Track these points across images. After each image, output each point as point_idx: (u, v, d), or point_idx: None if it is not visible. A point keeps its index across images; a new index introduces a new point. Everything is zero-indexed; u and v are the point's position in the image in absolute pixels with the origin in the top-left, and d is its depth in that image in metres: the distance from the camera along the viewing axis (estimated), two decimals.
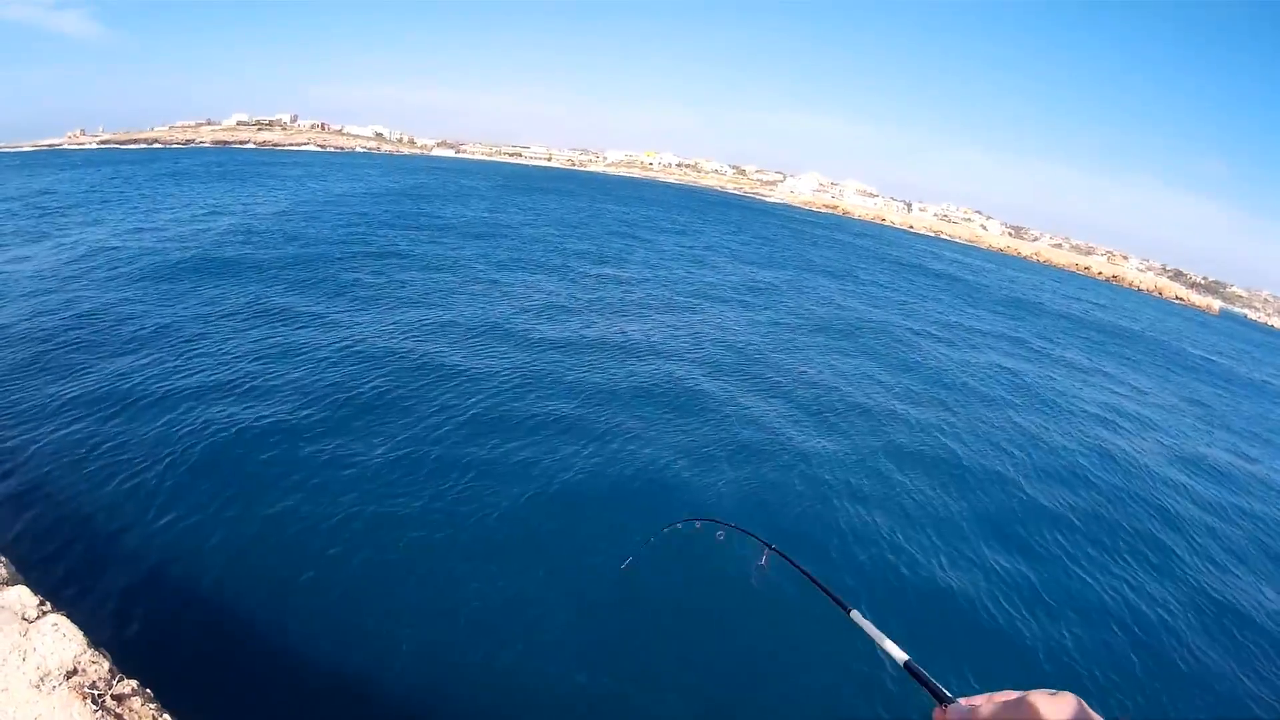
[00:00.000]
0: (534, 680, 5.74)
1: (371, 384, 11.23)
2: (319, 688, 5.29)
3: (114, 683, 3.61)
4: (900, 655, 1.32)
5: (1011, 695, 0.85)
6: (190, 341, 12.24)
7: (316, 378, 11.18)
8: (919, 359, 19.06)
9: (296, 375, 11.18)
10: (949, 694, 1.07)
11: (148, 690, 3.71)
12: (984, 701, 0.87)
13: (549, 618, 6.51)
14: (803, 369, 15.99)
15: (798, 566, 2.38)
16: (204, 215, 27.38)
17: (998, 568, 8.81)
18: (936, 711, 0.97)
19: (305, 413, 9.74)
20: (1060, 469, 12.77)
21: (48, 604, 4.04)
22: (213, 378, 10.63)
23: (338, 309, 15.61)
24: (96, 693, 3.47)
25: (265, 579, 6.31)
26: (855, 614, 1.68)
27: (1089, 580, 9.02)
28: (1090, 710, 0.81)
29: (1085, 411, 17.33)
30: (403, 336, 14.04)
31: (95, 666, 3.63)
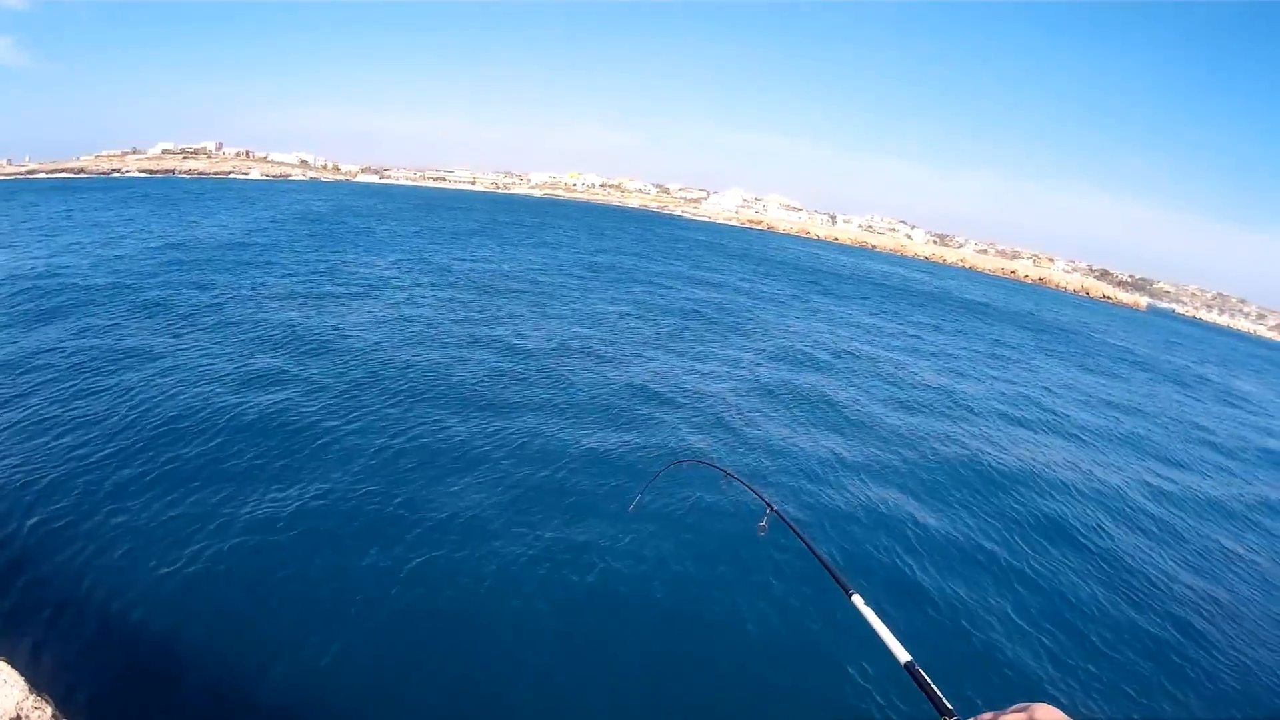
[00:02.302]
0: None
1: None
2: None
3: None
4: (903, 655, 1.24)
5: (1008, 712, 0.85)
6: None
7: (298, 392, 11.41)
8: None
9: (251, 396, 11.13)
10: (950, 706, 1.03)
11: None
12: (990, 718, 0.86)
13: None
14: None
15: (799, 535, 2.21)
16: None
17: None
18: None
19: (258, 438, 9.65)
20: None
21: None
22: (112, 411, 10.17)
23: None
24: None
25: (213, 617, 6.12)
26: (857, 599, 1.54)
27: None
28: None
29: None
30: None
31: (38, 713, 3.61)
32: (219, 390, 11.26)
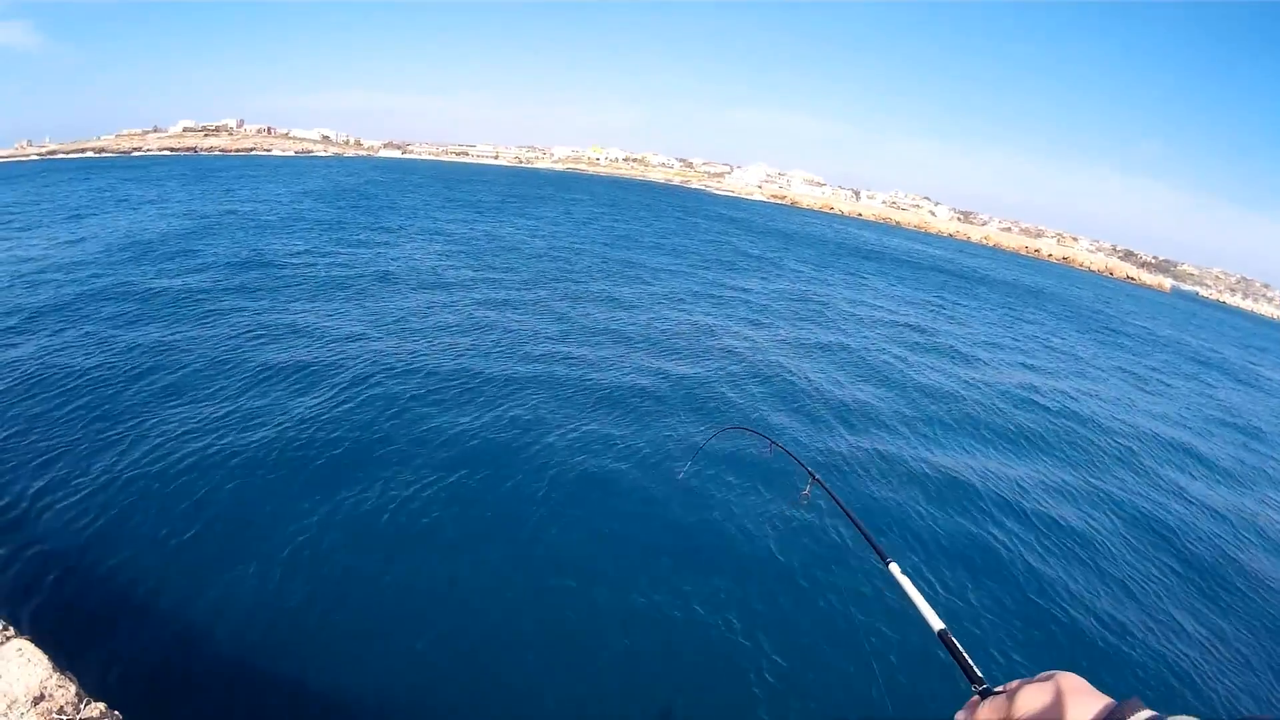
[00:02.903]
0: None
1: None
2: (295, 701, 5.22)
3: (82, 707, 3.61)
4: (936, 623, 1.27)
5: (1034, 681, 0.87)
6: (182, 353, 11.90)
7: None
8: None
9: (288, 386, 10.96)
10: (980, 675, 1.05)
11: (116, 712, 3.69)
12: (1017, 685, 0.87)
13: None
14: None
15: (839, 503, 2.22)
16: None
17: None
18: (973, 701, 0.94)
19: (293, 430, 9.42)
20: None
21: (11, 629, 4.01)
22: (175, 395, 10.23)
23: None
24: (64, 717, 3.49)
25: (231, 596, 6.17)
26: (894, 567, 1.57)
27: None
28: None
29: None
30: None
31: (62, 691, 3.62)
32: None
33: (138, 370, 10.99)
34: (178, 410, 9.65)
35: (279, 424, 9.51)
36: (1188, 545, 10.15)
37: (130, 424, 9.11)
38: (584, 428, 10.32)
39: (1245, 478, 14.28)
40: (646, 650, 6.12)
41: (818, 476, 2.75)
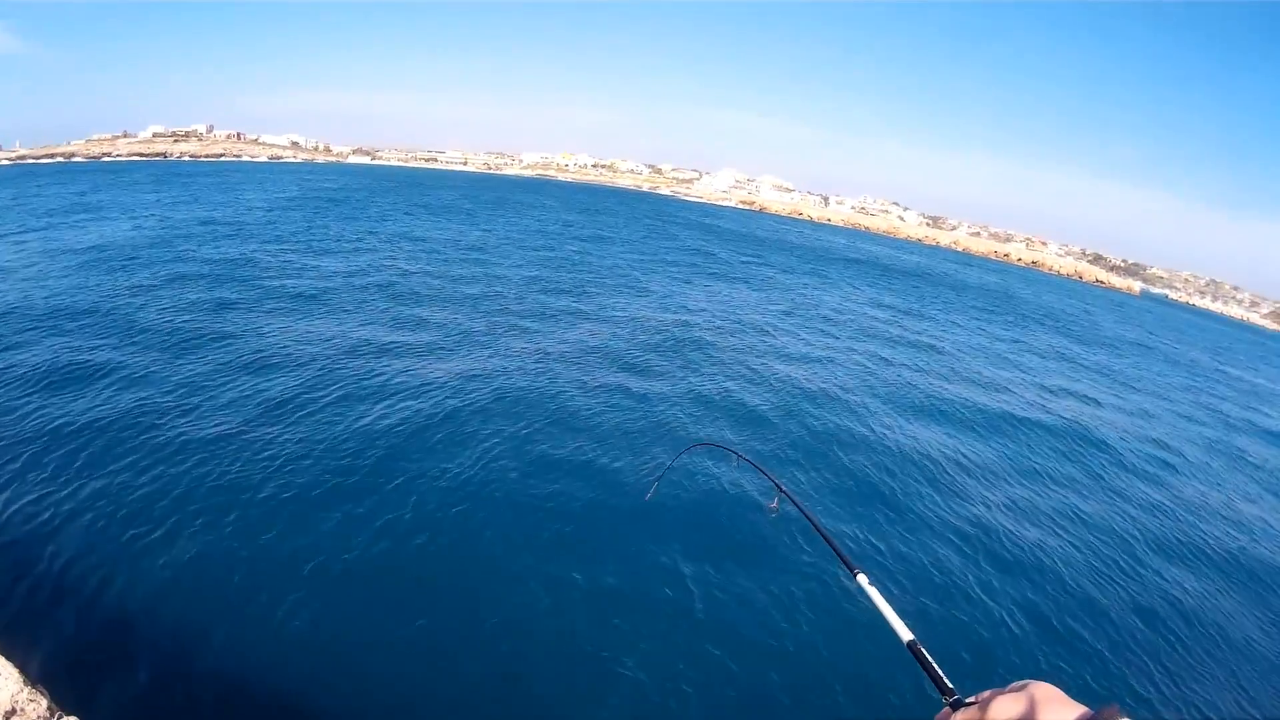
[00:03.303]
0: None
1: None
2: (271, 711, 5.16)
3: None
4: (906, 634, 1.26)
5: (1007, 691, 0.86)
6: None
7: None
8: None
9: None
10: (951, 686, 1.05)
11: None
12: (990, 695, 0.87)
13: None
14: None
15: (807, 515, 2.22)
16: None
17: None
18: (944, 713, 0.94)
19: (269, 427, 9.46)
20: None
21: None
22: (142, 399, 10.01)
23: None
24: None
25: (210, 609, 6.01)
26: (862, 578, 1.58)
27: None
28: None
29: None
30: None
31: (34, 705, 3.56)
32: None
33: (129, 371, 10.93)
34: (159, 416, 9.45)
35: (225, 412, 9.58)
36: (1166, 549, 10.19)
37: (107, 431, 8.90)
38: (549, 449, 9.83)
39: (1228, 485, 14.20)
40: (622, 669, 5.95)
41: (785, 489, 2.72)
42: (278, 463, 8.49)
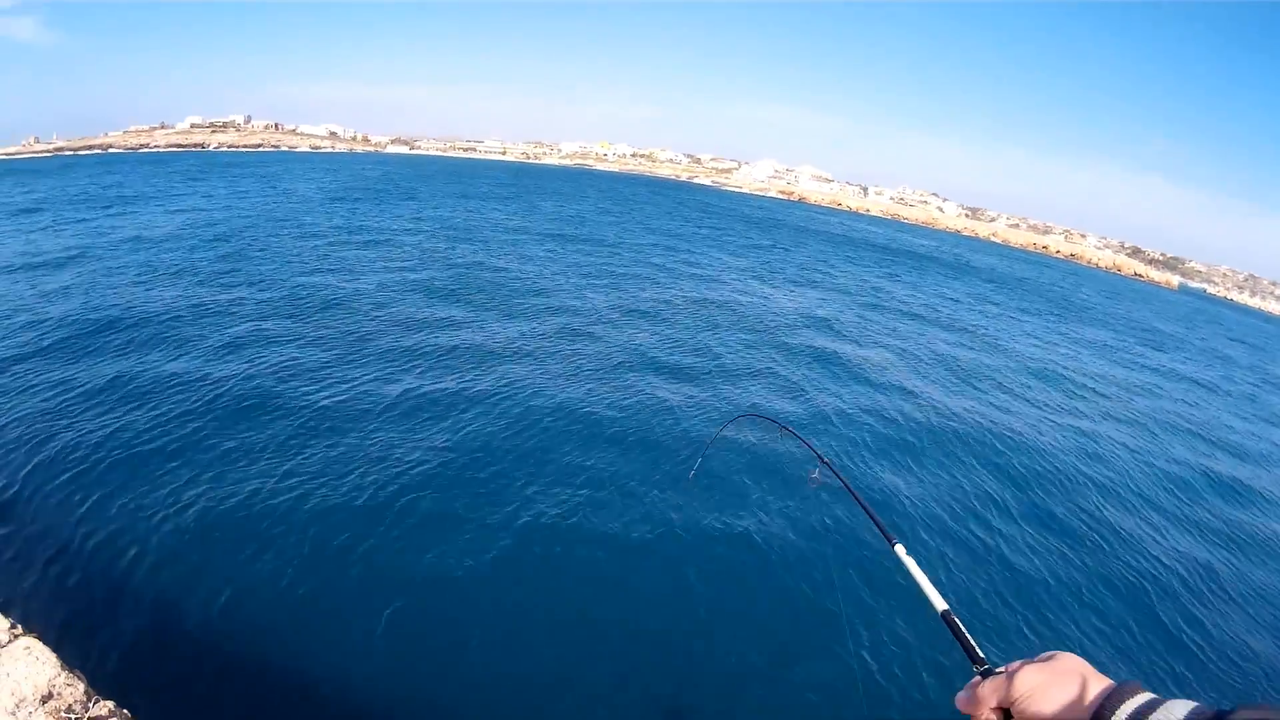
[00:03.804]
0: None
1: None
2: (304, 699, 5.15)
3: (90, 705, 3.60)
4: (940, 604, 1.27)
5: (1035, 661, 0.88)
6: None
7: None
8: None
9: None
10: (982, 655, 1.05)
11: (124, 711, 3.69)
12: (1018, 665, 0.88)
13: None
14: None
15: (847, 486, 2.25)
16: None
17: None
18: (974, 681, 0.94)
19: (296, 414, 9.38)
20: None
21: (19, 627, 3.99)
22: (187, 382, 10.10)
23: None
24: (73, 716, 3.48)
25: (244, 593, 6.04)
26: (900, 548, 1.59)
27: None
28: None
29: None
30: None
31: (70, 689, 3.60)
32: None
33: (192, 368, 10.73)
34: (213, 403, 9.45)
35: (299, 418, 9.33)
36: (1206, 536, 10.30)
37: (147, 423, 8.79)
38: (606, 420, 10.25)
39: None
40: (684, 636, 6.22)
41: (826, 459, 2.80)
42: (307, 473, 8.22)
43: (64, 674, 3.66)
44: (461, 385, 11.01)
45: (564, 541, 7.22)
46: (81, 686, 3.64)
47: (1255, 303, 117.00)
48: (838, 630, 6.46)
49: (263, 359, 11.23)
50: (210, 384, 10.07)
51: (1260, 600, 8.87)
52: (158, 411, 9.09)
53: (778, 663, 6.07)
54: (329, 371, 10.96)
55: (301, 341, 12.22)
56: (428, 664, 5.57)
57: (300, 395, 9.98)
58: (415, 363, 11.88)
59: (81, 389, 9.62)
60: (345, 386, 10.46)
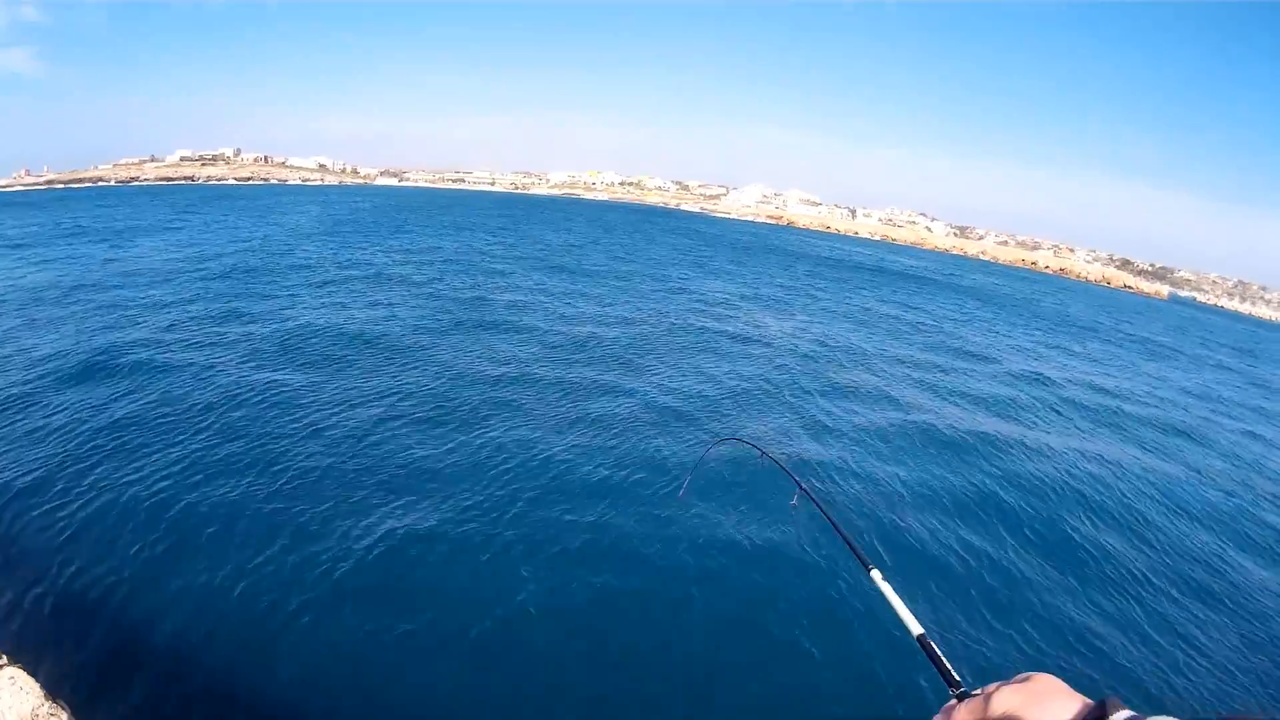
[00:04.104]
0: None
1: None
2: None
3: None
4: (916, 628, 1.28)
5: (1011, 682, 0.87)
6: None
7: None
8: None
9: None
10: (958, 679, 1.06)
11: None
12: (995, 688, 0.87)
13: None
14: None
15: (824, 513, 2.28)
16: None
17: None
18: (950, 704, 0.94)
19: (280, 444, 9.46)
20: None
21: (3, 657, 3.99)
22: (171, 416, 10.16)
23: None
24: None
25: (227, 625, 6.02)
26: (875, 573, 1.62)
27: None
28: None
29: None
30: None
31: (54, 718, 3.60)
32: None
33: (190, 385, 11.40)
34: (179, 434, 9.60)
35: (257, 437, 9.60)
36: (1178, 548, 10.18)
37: (130, 447, 9.05)
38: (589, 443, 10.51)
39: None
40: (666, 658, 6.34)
41: (804, 486, 2.82)
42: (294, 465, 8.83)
43: (48, 704, 3.72)
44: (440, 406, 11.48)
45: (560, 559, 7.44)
46: (65, 716, 3.74)
47: (1245, 308, 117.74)
48: (808, 648, 6.56)
49: (246, 387, 11.41)
50: (195, 411, 10.28)
51: (1244, 612, 8.71)
52: (141, 439, 9.27)
53: (754, 665, 6.27)
54: (314, 395, 11.30)
55: (285, 372, 12.44)
56: (410, 678, 5.64)
57: (279, 420, 10.22)
58: (407, 383, 12.45)
59: (70, 419, 9.87)
60: (328, 403, 10.94)
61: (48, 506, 7.52)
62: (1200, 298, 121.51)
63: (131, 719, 4.94)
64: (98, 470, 8.38)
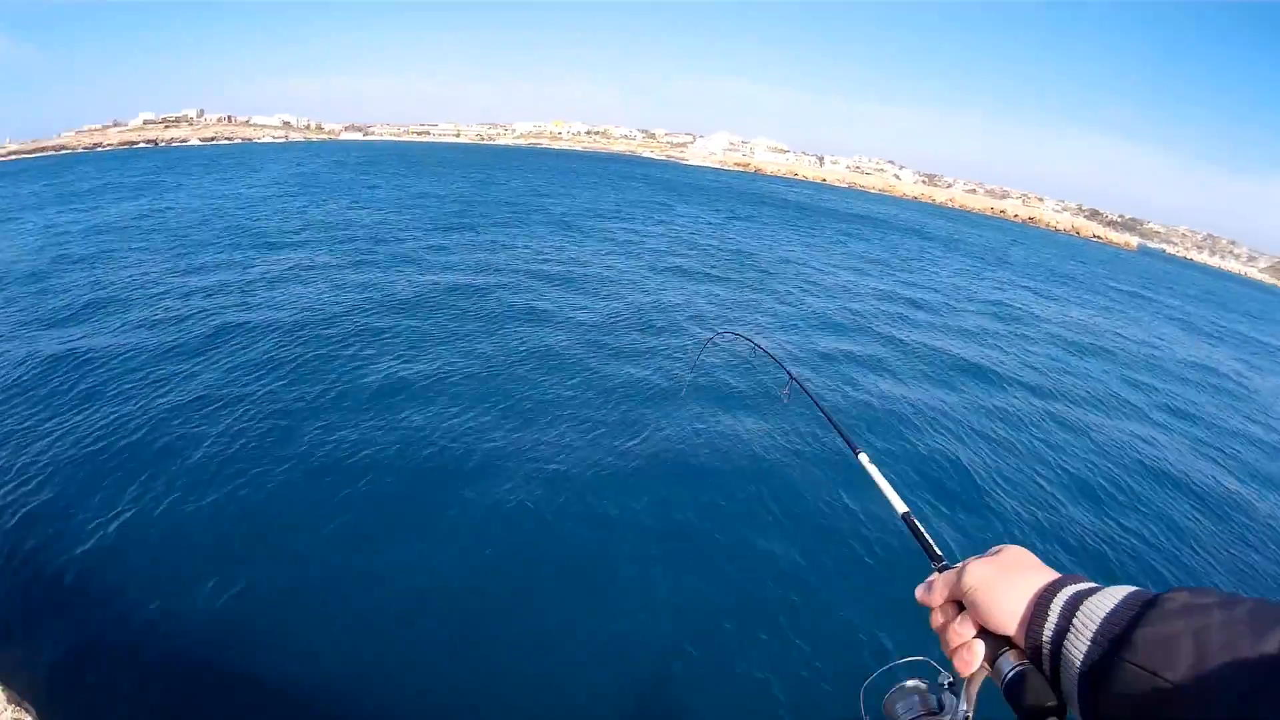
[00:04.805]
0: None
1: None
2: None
3: None
4: (900, 506, 1.33)
5: (984, 555, 0.92)
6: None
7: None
8: None
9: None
10: (939, 553, 1.11)
11: None
12: (970, 561, 0.92)
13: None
14: None
15: (814, 400, 2.34)
16: None
17: None
18: (931, 577, 0.98)
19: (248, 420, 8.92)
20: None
21: None
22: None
23: None
24: None
25: (196, 620, 5.67)
26: (863, 456, 1.66)
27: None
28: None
29: None
30: None
31: None
32: None
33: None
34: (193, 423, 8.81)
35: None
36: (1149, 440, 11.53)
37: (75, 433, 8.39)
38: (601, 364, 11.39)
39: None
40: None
41: (795, 375, 2.85)
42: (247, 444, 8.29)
43: (11, 708, 3.65)
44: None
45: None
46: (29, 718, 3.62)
47: (1215, 261, 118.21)
48: (808, 528, 7.10)
49: (212, 366, 10.57)
50: (147, 389, 9.61)
51: (1205, 494, 9.69)
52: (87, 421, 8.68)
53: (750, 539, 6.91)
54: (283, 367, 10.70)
55: (257, 351, 11.37)
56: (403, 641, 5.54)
57: (247, 392, 9.62)
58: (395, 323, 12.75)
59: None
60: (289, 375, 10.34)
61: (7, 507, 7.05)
62: (1170, 249, 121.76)
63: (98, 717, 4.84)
64: (74, 467, 7.75)
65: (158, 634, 5.50)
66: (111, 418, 8.74)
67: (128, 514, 6.86)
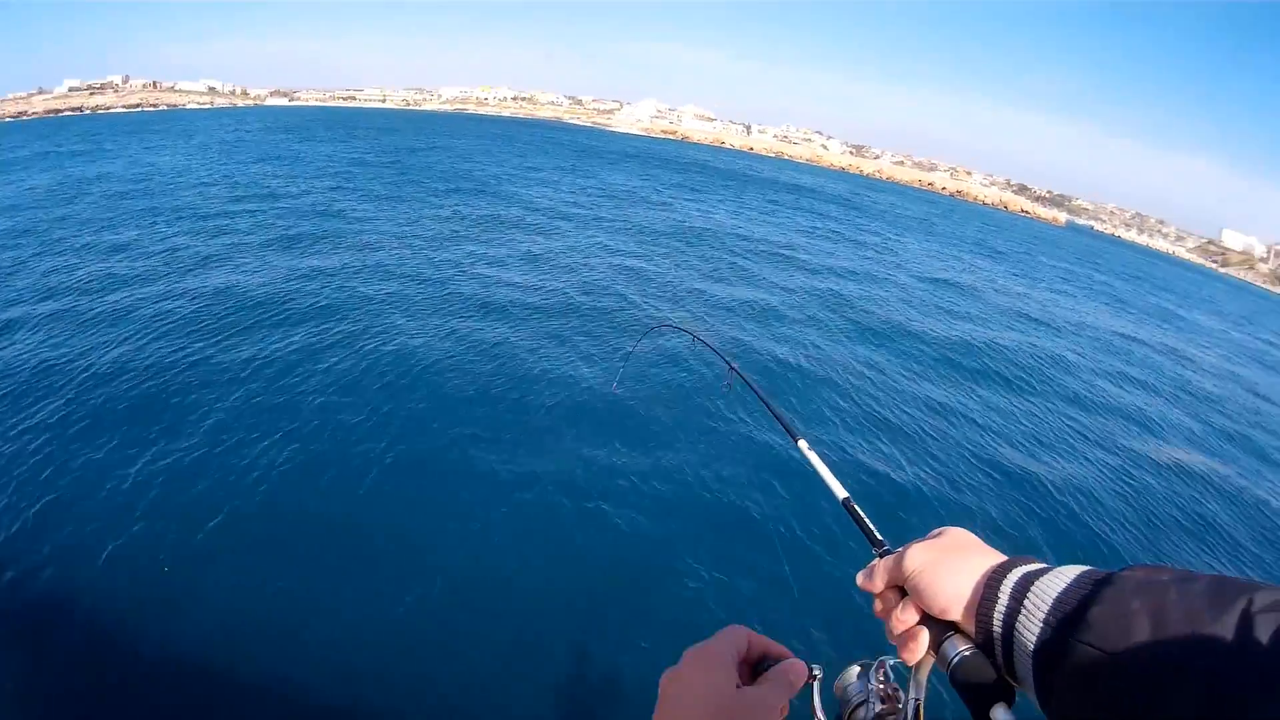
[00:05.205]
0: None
1: None
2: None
3: None
4: (840, 492, 1.29)
5: (926, 538, 0.90)
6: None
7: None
8: None
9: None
10: (880, 538, 1.08)
11: None
12: (910, 545, 0.90)
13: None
14: None
15: (755, 389, 2.31)
16: None
17: None
18: (873, 563, 0.96)
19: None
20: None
21: None
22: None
23: None
24: None
25: (194, 621, 5.36)
26: (802, 444, 1.62)
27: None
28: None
29: None
30: None
31: None
32: None
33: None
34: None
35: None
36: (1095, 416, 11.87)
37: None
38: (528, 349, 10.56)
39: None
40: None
41: (735, 366, 2.72)
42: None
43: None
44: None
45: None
46: None
47: (1143, 240, 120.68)
48: (753, 518, 6.91)
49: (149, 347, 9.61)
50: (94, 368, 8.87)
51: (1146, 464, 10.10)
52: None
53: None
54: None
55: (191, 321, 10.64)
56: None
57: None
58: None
59: None
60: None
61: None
62: (1098, 226, 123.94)
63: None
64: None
65: (152, 638, 5.18)
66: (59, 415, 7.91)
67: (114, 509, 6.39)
